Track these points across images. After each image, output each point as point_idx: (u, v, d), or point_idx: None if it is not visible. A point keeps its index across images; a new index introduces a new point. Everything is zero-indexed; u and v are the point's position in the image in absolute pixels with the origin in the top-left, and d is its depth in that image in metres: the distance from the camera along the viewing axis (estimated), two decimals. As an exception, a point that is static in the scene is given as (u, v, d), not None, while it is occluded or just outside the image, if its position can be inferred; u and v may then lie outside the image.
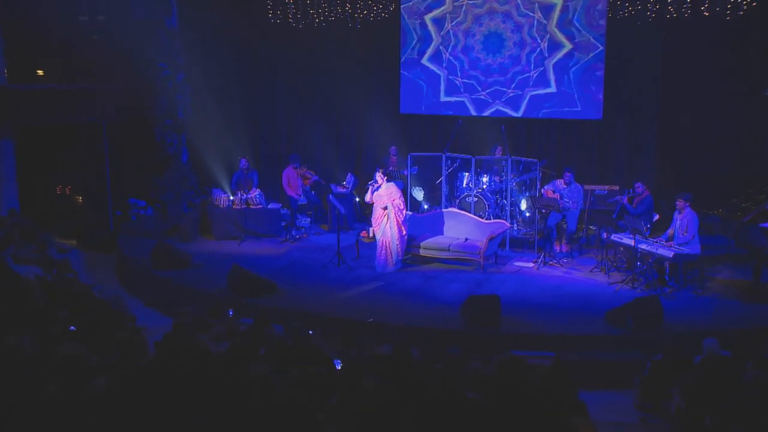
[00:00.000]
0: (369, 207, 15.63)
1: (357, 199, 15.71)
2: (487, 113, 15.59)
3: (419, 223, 13.07)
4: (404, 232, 12.13)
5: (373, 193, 12.23)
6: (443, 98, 15.83)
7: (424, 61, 15.81)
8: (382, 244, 12.13)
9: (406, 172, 14.92)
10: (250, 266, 11.61)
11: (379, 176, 12.17)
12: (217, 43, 15.80)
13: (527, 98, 15.26)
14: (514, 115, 15.41)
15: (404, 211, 12.17)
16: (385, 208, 12.04)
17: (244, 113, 16.54)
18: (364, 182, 15.80)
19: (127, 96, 15.45)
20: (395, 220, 12.04)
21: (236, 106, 16.42)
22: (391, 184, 12.30)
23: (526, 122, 15.58)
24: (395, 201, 12.05)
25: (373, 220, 12.28)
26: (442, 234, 12.87)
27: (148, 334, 7.88)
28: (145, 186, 15.38)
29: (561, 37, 14.93)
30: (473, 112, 15.62)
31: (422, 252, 12.52)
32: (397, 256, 12.15)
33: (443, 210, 13.43)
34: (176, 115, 15.15)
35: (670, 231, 11.40)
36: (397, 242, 12.08)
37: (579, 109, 15.03)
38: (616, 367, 8.96)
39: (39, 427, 4.92)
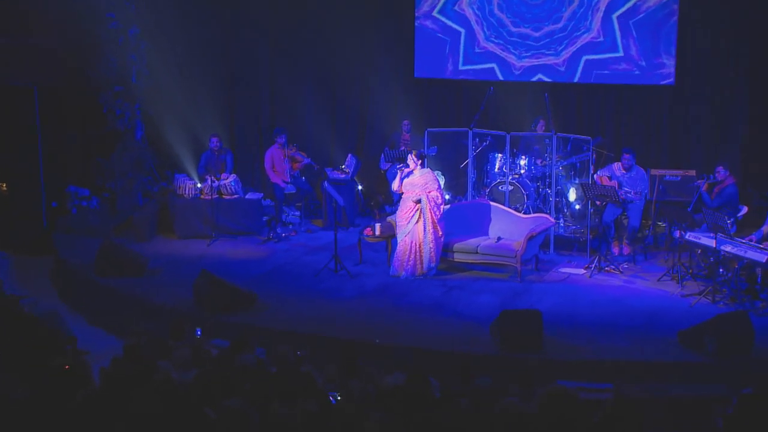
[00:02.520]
0: (375, 198, 15.68)
1: (360, 188, 15.68)
2: (526, 78, 15.52)
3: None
4: (440, 234, 12.12)
5: (402, 180, 12.19)
6: (470, 59, 15.77)
7: (446, 11, 15.75)
8: (408, 246, 12.09)
9: (423, 151, 14.86)
10: (223, 273, 11.58)
11: (411, 159, 12.21)
12: (180, -12, 15.84)
13: (578, 58, 15.18)
14: (561, 80, 15.33)
15: (442, 207, 12.17)
16: (419, 201, 12.02)
17: (216, 78, 16.52)
18: (367, 165, 15.82)
19: (65, 54, 15.43)
20: (430, 217, 12.04)
21: (205, 69, 16.40)
22: (427, 170, 12.32)
23: (576, 89, 15.53)
24: (432, 193, 12.07)
25: (399, 216, 12.23)
26: (470, 232, 12.82)
27: (91, 360, 7.87)
28: (88, 170, 15.37)
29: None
30: (508, 77, 15.56)
31: (447, 256, 12.47)
32: (429, 263, 12.15)
33: (470, 202, 13.36)
34: (128, 80, 15.14)
35: (765, 228, 11.31)
36: (431, 246, 12.09)
37: (644, 72, 14.96)
38: (692, 403, 8.89)
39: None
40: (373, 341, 10.00)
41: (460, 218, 12.94)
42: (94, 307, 12.00)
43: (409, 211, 12.12)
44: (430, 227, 12.05)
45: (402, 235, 12.16)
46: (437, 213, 12.06)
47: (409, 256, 12.13)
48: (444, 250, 12.38)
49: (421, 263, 12.13)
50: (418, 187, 12.07)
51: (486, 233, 12.80)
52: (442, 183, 15.23)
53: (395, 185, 12.36)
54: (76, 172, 15.61)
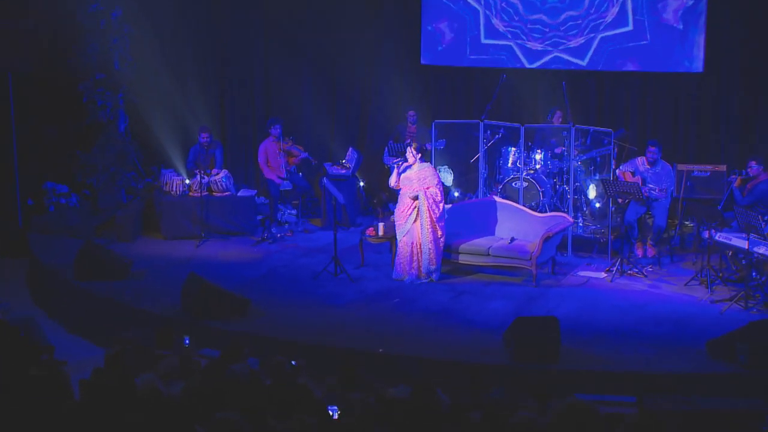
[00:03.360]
0: (378, 195, 15.68)
1: (361, 184, 15.67)
2: (541, 64, 15.50)
3: (447, 216, 13.00)
4: (440, 234, 12.09)
5: (400, 175, 12.18)
6: (481, 44, 15.74)
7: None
8: (407, 247, 12.08)
9: (428, 146, 14.86)
10: (213, 276, 11.58)
11: (410, 152, 12.16)
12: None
13: (598, 42, 15.15)
14: (580, 66, 15.31)
15: (442, 205, 12.11)
16: (416, 198, 12.00)
17: (206, 65, 16.51)
18: (369, 160, 15.81)
19: (42, 38, 15.43)
20: (428, 216, 11.98)
21: (194, 55, 16.39)
22: (427, 164, 12.29)
23: (596, 77, 15.50)
24: (430, 189, 12.02)
25: (396, 214, 12.22)
26: (480, 232, 12.81)
27: (70, 371, 7.85)
28: (67, 165, 15.35)
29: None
30: (523, 64, 15.54)
31: (451, 257, 12.48)
32: (429, 266, 12.13)
33: (480, 199, 13.34)
34: (110, 67, 15.12)
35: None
36: (430, 246, 12.05)
37: (671, 58, 14.92)
38: (723, 418, 8.87)
39: None
40: (375, 350, 9.99)
41: (463, 217, 12.93)
42: (74, 313, 12.00)
43: (407, 208, 12.09)
44: (428, 226, 12.01)
45: (401, 235, 12.14)
46: (436, 211, 12.02)
47: (411, 258, 12.12)
48: (447, 251, 12.36)
49: (420, 267, 12.12)
50: (416, 182, 12.04)
51: (492, 233, 12.78)
52: (450, 179, 15.26)
53: (392, 180, 12.32)
54: (54, 166, 15.58)
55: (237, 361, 8.07)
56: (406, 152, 12.25)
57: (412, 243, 12.09)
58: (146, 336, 9.52)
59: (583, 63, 15.29)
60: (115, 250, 12.99)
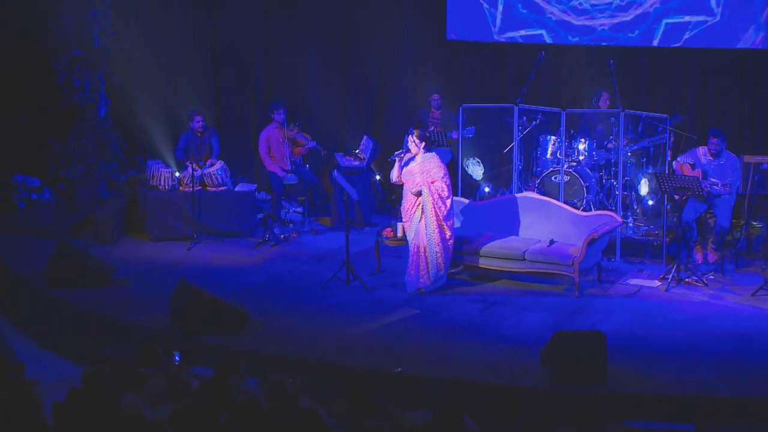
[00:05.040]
0: (396, 190, 15.65)
1: (378, 178, 15.68)
2: (586, 41, 15.46)
3: (477, 216, 13.06)
4: (448, 235, 12.09)
5: (402, 168, 12.18)
6: (516, 17, 15.73)
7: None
8: (415, 250, 12.10)
9: (455, 135, 14.86)
10: (206, 284, 11.59)
11: (412, 141, 12.12)
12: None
13: (652, 14, 15.11)
14: (631, 43, 15.27)
15: (449, 201, 12.09)
16: (419, 194, 12.00)
17: (198, 41, 16.54)
18: (387, 150, 15.76)
19: (9, 9, 15.46)
20: (433, 213, 11.97)
21: (185, 30, 16.42)
22: (432, 155, 12.25)
23: (649, 54, 15.50)
24: (435, 184, 12.00)
25: (403, 212, 12.25)
26: (515, 234, 12.83)
27: (43, 392, 7.85)
28: (39, 155, 15.40)
29: None
30: (564, 39, 15.51)
31: (482, 262, 12.50)
32: (437, 271, 12.12)
33: (515, 195, 13.35)
34: (89, 43, 15.17)
35: None
36: (437, 249, 12.05)
37: (736, 33, 14.87)
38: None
39: None
40: (393, 370, 9.98)
41: (494, 216, 12.99)
42: (47, 326, 12.03)
43: (411, 206, 12.08)
44: (433, 226, 11.98)
45: (409, 239, 12.18)
46: (442, 208, 11.98)
47: (415, 263, 12.14)
48: (468, 253, 12.39)
49: (427, 271, 12.12)
50: (419, 175, 12.02)
51: (528, 234, 12.77)
52: (480, 173, 15.26)
53: (393, 175, 12.25)
54: (24, 157, 15.65)
55: (233, 381, 8.07)
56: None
57: (418, 246, 12.09)
58: (130, 352, 9.53)
59: (635, 39, 15.25)
60: (94, 253, 13.01)
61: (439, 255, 12.09)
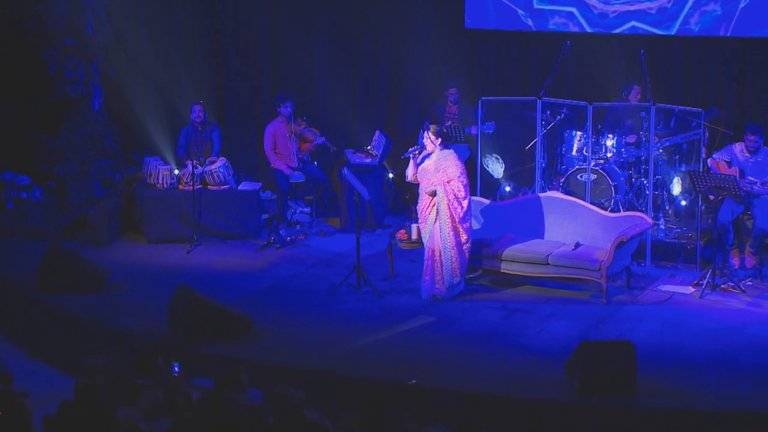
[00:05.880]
0: (412, 189, 15.65)
1: (391, 176, 15.67)
2: (615, 28, 15.43)
3: (497, 217, 13.07)
4: (464, 239, 12.09)
5: (417, 166, 12.19)
6: (539, 3, 15.71)
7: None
8: (429, 254, 12.10)
9: (473, 131, 14.85)
10: (208, 289, 11.63)
11: (428, 137, 12.12)
12: None
13: (686, 1, 15.07)
14: (664, 31, 15.24)
15: (466, 202, 12.08)
16: (434, 194, 12.01)
17: (199, 30, 16.56)
18: (401, 146, 15.78)
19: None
20: (448, 215, 11.96)
21: (185, 16, 16.44)
22: (449, 152, 12.24)
23: (683, 44, 15.46)
24: (451, 183, 11.99)
25: (418, 212, 12.26)
26: (537, 236, 12.83)
27: (33, 405, 7.87)
28: (29, 151, 15.43)
29: None
30: (591, 27, 15.49)
31: (503, 267, 12.51)
32: (452, 277, 12.13)
33: (538, 195, 13.35)
34: (82, 31, 15.19)
35: None
36: (452, 254, 12.05)
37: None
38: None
39: None
40: (407, 382, 9.97)
41: (514, 217, 13.01)
42: (37, 334, 12.05)
43: (425, 207, 12.09)
44: (448, 229, 11.97)
45: (425, 240, 12.19)
46: (458, 210, 11.97)
47: (430, 267, 12.16)
48: (488, 257, 12.40)
49: (441, 276, 12.12)
50: (434, 174, 12.02)
51: (551, 236, 12.78)
52: (500, 171, 15.24)
53: (409, 173, 12.25)
54: (13, 153, 15.68)
55: (236, 393, 8.09)
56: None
57: (433, 249, 12.10)
58: (125, 362, 9.54)
59: (668, 26, 15.20)
60: (88, 256, 13.00)
61: (454, 260, 12.09)
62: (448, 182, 11.97)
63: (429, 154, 12.12)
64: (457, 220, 12.01)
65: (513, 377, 10.12)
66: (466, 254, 12.20)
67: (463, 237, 12.10)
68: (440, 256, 12.09)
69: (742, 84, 15.38)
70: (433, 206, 12.06)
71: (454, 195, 11.97)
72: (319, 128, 15.30)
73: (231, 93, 16.79)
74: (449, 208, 11.97)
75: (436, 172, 12.02)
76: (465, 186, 12.04)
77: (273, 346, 10.90)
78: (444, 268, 12.12)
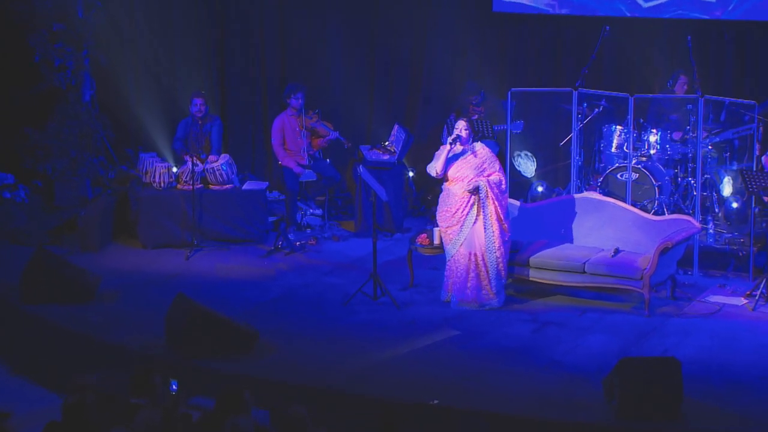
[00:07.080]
0: (433, 190, 15.68)
1: (411, 174, 15.68)
2: (658, 13, 15.43)
3: (527, 220, 13.07)
4: (508, 234, 12.16)
5: (450, 162, 12.19)
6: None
7: None
8: (466, 261, 12.08)
9: (501, 127, 14.83)
10: (209, 299, 11.66)
11: (462, 125, 12.18)
12: None
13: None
14: (713, 16, 15.23)
15: (506, 195, 12.20)
16: (476, 190, 12.02)
17: (200, 14, 16.60)
18: (421, 142, 15.82)
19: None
20: (494, 212, 12.04)
21: (184, 2, 16.47)
22: (481, 145, 12.34)
23: (735, 29, 15.46)
24: (493, 177, 12.07)
25: (441, 218, 12.25)
26: (572, 241, 12.85)
27: (16, 425, 7.91)
28: (12, 147, 15.48)
29: None
30: (632, 11, 15.49)
31: (533, 275, 12.51)
32: (498, 280, 12.18)
33: (574, 196, 13.35)
34: (72, 15, 15.24)
35: None
36: (498, 254, 12.09)
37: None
38: None
39: None
40: (428, 402, 9.97)
41: (547, 220, 13.07)
42: (21, 348, 12.07)
43: (460, 207, 12.07)
44: (495, 227, 12.03)
45: (454, 248, 12.16)
46: (504, 203, 12.09)
47: (471, 276, 12.14)
48: (518, 264, 12.44)
49: (489, 282, 12.13)
50: (469, 169, 12.06)
51: (586, 242, 12.78)
52: (532, 169, 15.26)
53: (437, 167, 12.14)
54: (-3, 149, 15.77)
55: (239, 413, 8.10)
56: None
57: (471, 254, 12.09)
58: (118, 379, 9.56)
59: (717, 11, 15.21)
60: (77, 262, 13.03)
61: (500, 260, 12.15)
62: (490, 176, 12.07)
63: (465, 150, 12.16)
64: (502, 215, 12.10)
65: (545, 397, 10.09)
66: (508, 252, 12.27)
67: (507, 234, 12.19)
68: (483, 259, 12.11)
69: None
70: (472, 204, 12.08)
71: (498, 188, 12.11)
72: (332, 122, 15.32)
73: (235, 82, 16.82)
74: (493, 202, 12.04)
75: (473, 168, 12.10)
76: (506, 179, 12.16)
77: (280, 362, 10.91)
78: (490, 272, 12.14)
